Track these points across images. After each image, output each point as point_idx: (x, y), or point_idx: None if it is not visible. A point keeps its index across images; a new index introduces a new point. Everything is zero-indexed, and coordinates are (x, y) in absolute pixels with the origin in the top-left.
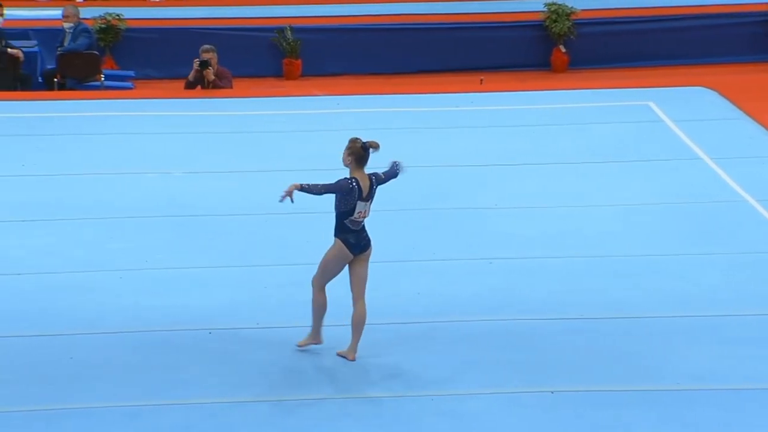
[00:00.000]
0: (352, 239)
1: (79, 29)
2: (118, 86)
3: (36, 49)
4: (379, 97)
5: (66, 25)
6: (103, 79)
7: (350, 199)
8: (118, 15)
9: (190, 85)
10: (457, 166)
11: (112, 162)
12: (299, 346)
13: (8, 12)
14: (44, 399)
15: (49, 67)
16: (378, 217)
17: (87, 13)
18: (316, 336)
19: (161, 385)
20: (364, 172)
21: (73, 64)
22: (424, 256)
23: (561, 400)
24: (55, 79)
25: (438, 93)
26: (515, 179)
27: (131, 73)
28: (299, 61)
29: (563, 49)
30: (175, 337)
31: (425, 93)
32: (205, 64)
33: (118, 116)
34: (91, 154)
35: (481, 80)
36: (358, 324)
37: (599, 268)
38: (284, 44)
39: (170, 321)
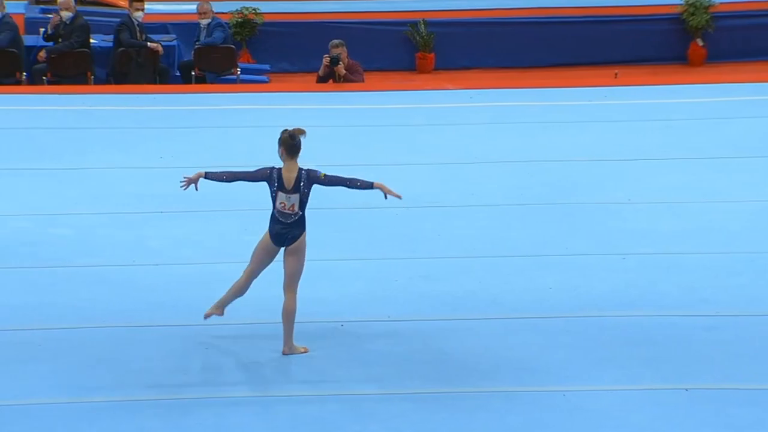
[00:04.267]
0: (276, 230)
1: (214, 24)
2: (253, 80)
3: (174, 42)
4: (513, 91)
5: (201, 21)
6: (239, 72)
7: (270, 188)
8: (254, 9)
9: (321, 80)
10: (591, 160)
11: (246, 155)
12: (205, 315)
13: (148, 6)
14: (180, 389)
15: (185, 60)
16: (509, 212)
17: (224, 7)
18: (219, 307)
19: (293, 376)
20: (295, 164)
21: (209, 57)
22: (557, 250)
23: (696, 397)
24: (193, 73)
25: (572, 87)
26: (650, 174)
27: (267, 66)
28: (432, 55)
29: (701, 43)
30: (306, 329)
31: (559, 87)
32: (335, 61)
33: (253, 109)
34: (227, 146)
35: (616, 74)
36: (287, 317)
37: (738, 264)
38: (417, 38)
39: (301, 313)
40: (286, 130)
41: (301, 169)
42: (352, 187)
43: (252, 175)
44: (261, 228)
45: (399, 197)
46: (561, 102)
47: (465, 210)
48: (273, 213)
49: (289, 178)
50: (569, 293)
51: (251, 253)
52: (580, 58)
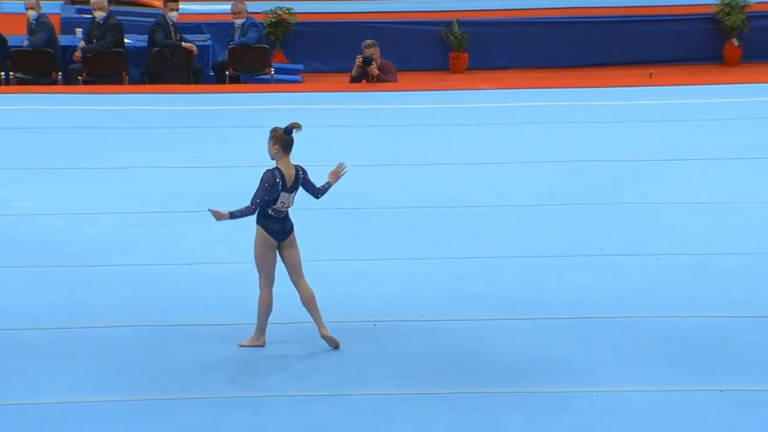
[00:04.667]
0: (274, 225)
1: (248, 23)
2: (286, 80)
3: (209, 42)
4: (546, 91)
5: (236, 20)
6: (272, 72)
7: (274, 190)
8: (288, 9)
9: (355, 81)
10: (626, 160)
11: None
12: (240, 345)
13: (183, 6)
14: (214, 388)
15: (219, 59)
16: (543, 212)
17: (258, 7)
18: (259, 337)
19: (325, 375)
20: (290, 161)
21: (243, 57)
22: (591, 251)
23: (731, 399)
24: (227, 73)
25: (606, 87)
26: (685, 174)
27: (300, 66)
28: (466, 55)
29: (736, 42)
30: (340, 328)
31: (593, 87)
32: (368, 62)
33: (286, 109)
34: (260, 147)
35: (651, 74)
36: (309, 304)
37: None
38: (451, 38)
39: (334, 311)
40: (277, 127)
41: (297, 167)
42: (323, 194)
43: (267, 191)
44: None
45: (343, 168)
46: (595, 102)
47: (499, 210)
48: (266, 212)
49: (289, 176)
50: (603, 294)
51: (257, 265)
52: (614, 58)
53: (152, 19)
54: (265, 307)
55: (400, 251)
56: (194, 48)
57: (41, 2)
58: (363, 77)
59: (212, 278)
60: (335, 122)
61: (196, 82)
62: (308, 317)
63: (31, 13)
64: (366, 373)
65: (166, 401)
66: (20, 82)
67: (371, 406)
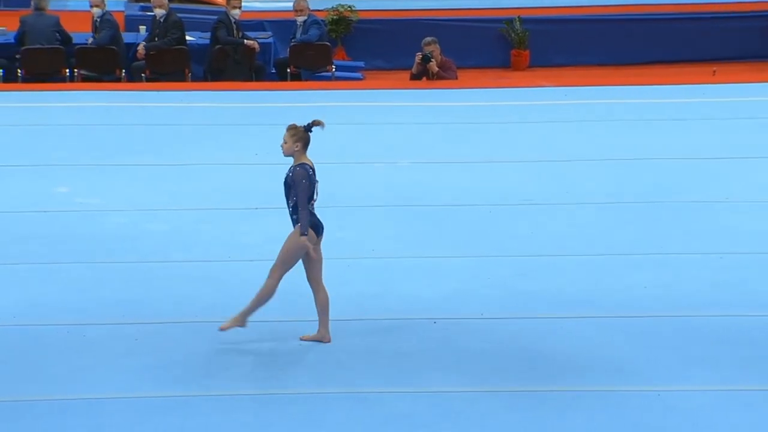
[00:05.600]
0: (316, 220)
1: (310, 21)
2: (348, 77)
3: (270, 40)
4: (608, 89)
5: (298, 18)
6: (334, 69)
7: (312, 185)
8: (349, 6)
9: (415, 78)
10: (688, 158)
11: (340, 152)
12: (221, 329)
13: (245, 4)
14: (270, 384)
15: (281, 57)
16: (604, 210)
17: (320, 4)
18: (243, 319)
19: (384, 371)
20: (307, 155)
21: (305, 54)
22: (652, 249)
23: None
24: (288, 70)
25: (668, 84)
26: (748, 172)
27: (361, 63)
28: (527, 52)
29: None
30: (399, 326)
31: (655, 84)
32: (427, 59)
33: (347, 107)
34: (321, 143)
35: (714, 71)
36: (326, 306)
37: None
38: (513, 35)
39: (394, 309)
40: (297, 125)
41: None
42: (292, 208)
43: (308, 188)
44: (353, 224)
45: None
46: (657, 99)
47: (559, 208)
48: (312, 208)
49: (314, 167)
50: (665, 292)
51: (286, 260)
52: (676, 55)
53: (215, 17)
54: (266, 299)
55: (460, 248)
56: (256, 45)
57: (105, 0)
58: (423, 74)
59: None
60: (396, 119)
61: (258, 79)
62: (362, 314)
63: (96, 11)
64: (425, 370)
65: (227, 396)
66: (84, 79)
67: (430, 403)
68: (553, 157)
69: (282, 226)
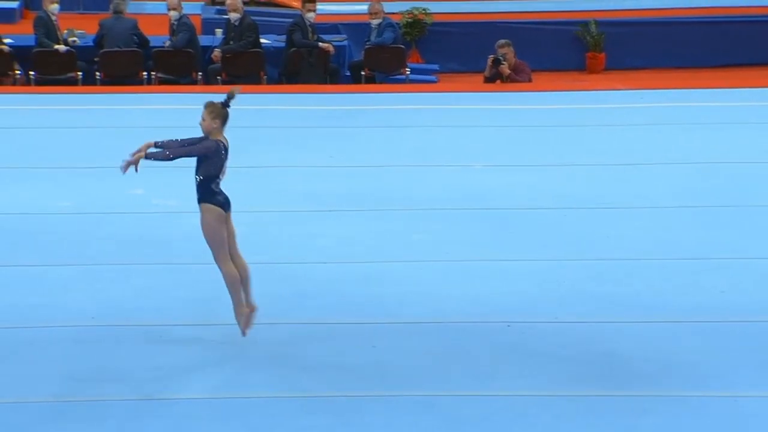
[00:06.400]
0: (221, 198)
1: (385, 24)
2: (422, 80)
3: (345, 42)
4: (683, 92)
5: (372, 21)
6: (408, 72)
7: (218, 159)
8: (424, 9)
9: (489, 81)
10: (764, 162)
11: (415, 154)
12: (244, 332)
13: (320, 7)
14: (345, 385)
15: (355, 59)
16: (680, 214)
17: (394, 7)
18: (242, 307)
19: (458, 375)
20: (223, 134)
21: (379, 57)
22: (729, 253)
23: None
24: (363, 73)
25: (744, 87)
26: None
27: (435, 66)
28: (603, 55)
29: None
30: (472, 329)
31: (731, 87)
32: (498, 62)
33: (421, 109)
34: (396, 146)
35: None
36: (247, 278)
37: None
38: (588, 38)
39: (468, 312)
40: (212, 101)
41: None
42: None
43: (206, 149)
44: (427, 227)
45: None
46: (733, 103)
47: (634, 211)
48: (211, 189)
49: (227, 145)
50: (742, 297)
51: (212, 244)
52: (753, 57)
53: (290, 20)
54: (236, 283)
55: (535, 252)
56: (331, 48)
57: (182, 3)
58: (497, 77)
59: (348, 277)
60: (470, 122)
61: (332, 82)
62: (436, 317)
63: (173, 14)
64: (499, 373)
65: (303, 399)
66: (162, 81)
67: (504, 406)
68: (629, 160)
69: (355, 228)
